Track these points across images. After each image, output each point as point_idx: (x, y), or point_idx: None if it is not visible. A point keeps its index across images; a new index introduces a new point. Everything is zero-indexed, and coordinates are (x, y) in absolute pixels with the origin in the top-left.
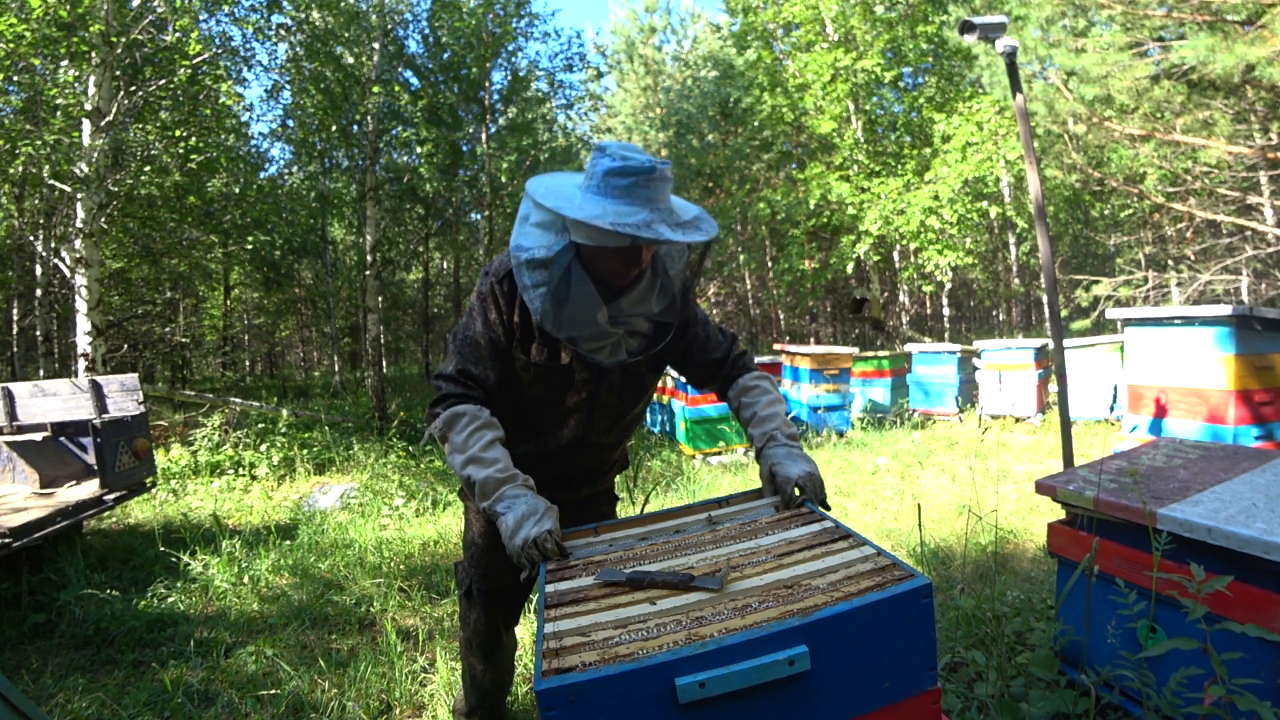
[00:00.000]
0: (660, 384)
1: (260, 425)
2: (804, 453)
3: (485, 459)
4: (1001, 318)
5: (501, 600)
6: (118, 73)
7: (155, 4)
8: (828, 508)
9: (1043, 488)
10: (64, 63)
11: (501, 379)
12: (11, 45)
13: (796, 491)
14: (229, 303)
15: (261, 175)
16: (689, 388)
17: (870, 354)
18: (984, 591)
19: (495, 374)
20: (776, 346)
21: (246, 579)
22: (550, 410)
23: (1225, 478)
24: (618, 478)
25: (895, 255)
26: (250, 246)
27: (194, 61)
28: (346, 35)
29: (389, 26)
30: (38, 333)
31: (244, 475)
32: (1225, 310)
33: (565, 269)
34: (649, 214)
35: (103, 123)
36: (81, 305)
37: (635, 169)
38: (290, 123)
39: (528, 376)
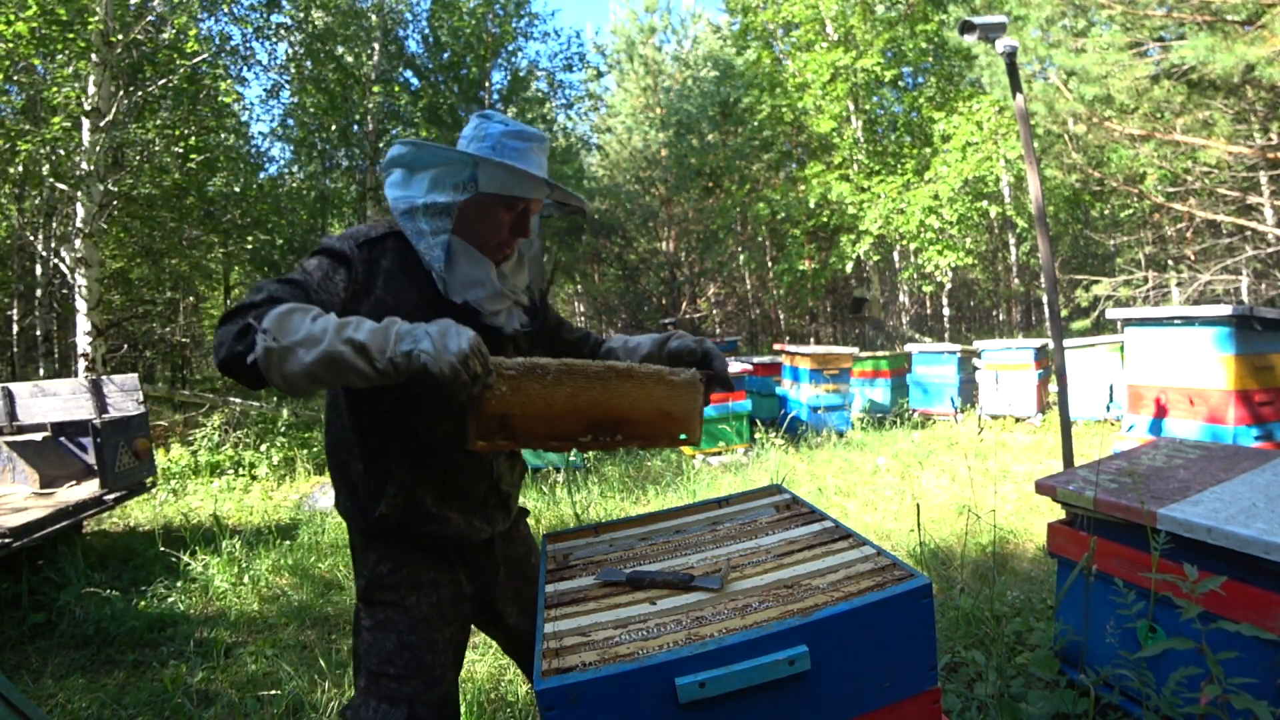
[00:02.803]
0: None
1: (260, 425)
2: None
3: (353, 320)
4: (1001, 318)
5: (440, 696)
6: (115, 72)
7: (154, 3)
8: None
9: (1042, 488)
10: (58, 57)
11: None
12: (11, 45)
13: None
14: (229, 302)
15: (261, 175)
16: None
17: (870, 354)
18: (984, 591)
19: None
20: (776, 346)
21: (246, 579)
22: (417, 402)
23: (1225, 478)
24: (532, 516)
25: (895, 255)
26: (250, 246)
27: (194, 61)
28: (346, 34)
29: (389, 26)
30: (38, 333)
31: (244, 475)
32: (1225, 310)
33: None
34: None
35: (102, 122)
36: (81, 305)
37: (531, 134)
38: (290, 122)
39: None
